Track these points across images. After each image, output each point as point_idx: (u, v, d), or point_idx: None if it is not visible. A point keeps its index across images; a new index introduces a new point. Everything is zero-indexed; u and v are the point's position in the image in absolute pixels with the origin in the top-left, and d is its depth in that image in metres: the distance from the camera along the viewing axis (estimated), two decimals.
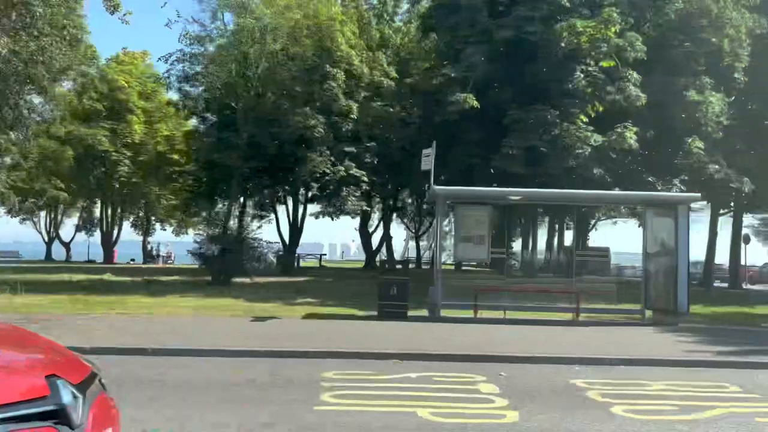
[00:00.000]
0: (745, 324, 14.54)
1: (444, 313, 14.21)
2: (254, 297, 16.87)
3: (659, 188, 21.59)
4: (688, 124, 21.14)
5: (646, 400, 6.95)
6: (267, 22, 22.05)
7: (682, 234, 13.61)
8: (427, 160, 13.88)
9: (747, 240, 37.49)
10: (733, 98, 24.50)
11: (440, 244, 14.61)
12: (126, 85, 39.20)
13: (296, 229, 33.21)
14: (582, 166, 19.52)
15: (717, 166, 23.07)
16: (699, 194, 14.18)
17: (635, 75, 19.59)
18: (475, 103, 18.76)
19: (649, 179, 21.82)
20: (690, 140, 21.62)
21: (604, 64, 19.43)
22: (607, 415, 6.23)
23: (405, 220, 42.27)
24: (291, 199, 32.07)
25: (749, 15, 24.01)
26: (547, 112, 19.52)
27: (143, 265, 40.02)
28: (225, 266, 21.12)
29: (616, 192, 15.38)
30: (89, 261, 43.89)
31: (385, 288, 13.48)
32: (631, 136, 19.27)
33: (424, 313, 14.18)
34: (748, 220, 42.92)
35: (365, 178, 28.62)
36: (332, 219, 33.25)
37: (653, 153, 22.29)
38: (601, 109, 19.36)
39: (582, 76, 19.56)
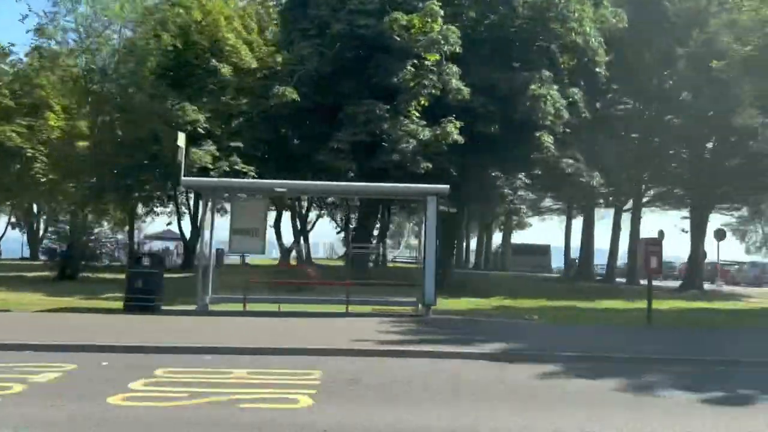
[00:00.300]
0: (503, 316, 14.57)
1: (216, 307, 14.30)
2: (69, 292, 17.03)
3: (498, 183, 21.61)
4: (532, 118, 21.06)
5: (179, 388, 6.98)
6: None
7: (430, 226, 13.62)
8: (180, 151, 13.88)
9: (722, 236, 37.15)
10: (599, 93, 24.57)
11: (208, 237, 14.58)
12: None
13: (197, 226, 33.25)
14: (410, 161, 19.47)
15: (571, 161, 23.14)
16: (447, 186, 14.08)
17: (455, 68, 19.54)
18: (295, 97, 18.73)
19: (494, 174, 21.79)
20: (539, 134, 21.63)
21: (429, 57, 19.38)
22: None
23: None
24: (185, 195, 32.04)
25: (606, 8, 24.07)
26: (376, 107, 19.49)
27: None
28: (68, 263, 21.19)
29: (373, 184, 15.31)
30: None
31: (131, 281, 13.48)
32: (453, 130, 19.22)
33: (192, 306, 14.26)
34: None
35: (253, 173, 28.54)
36: (221, 216, 33.12)
37: (502, 147, 22.22)
38: (426, 103, 19.31)
39: (413, 70, 19.50)
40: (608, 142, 24.76)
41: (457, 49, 19.41)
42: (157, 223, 42.66)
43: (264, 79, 21.40)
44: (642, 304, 15.89)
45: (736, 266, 46.46)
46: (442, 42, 18.92)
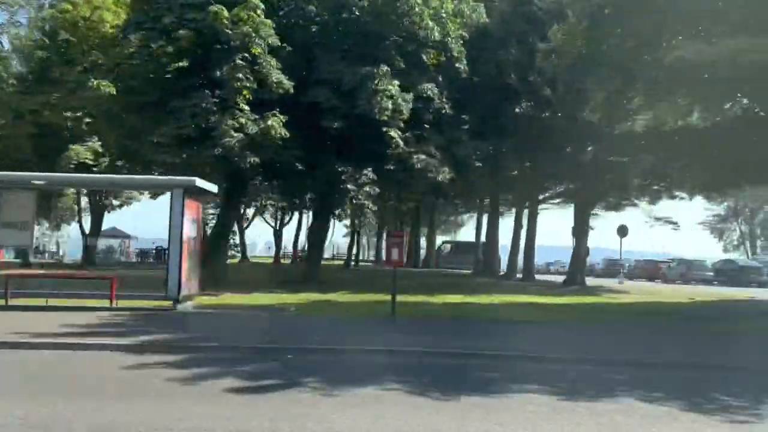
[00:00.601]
0: (260, 310, 14.48)
1: None
2: None
3: (343, 178, 21.49)
4: (372, 113, 20.90)
5: None
6: None
7: (176, 218, 13.52)
8: None
9: (624, 233, 36.95)
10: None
11: None
12: None
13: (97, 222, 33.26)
14: (238, 155, 19.35)
15: (423, 156, 22.99)
16: (195, 178, 13.95)
17: (273, 62, 19.42)
18: (111, 90, 18.62)
19: (340, 169, 21.67)
20: (386, 130, 21.51)
21: (254, 51, 19.25)
22: None
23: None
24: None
25: (467, 3, 23.96)
26: (204, 100, 19.37)
27: None
28: None
29: (123, 177, 15.27)
30: None
31: None
32: (277, 125, 19.10)
33: None
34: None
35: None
36: (109, 212, 33.24)
37: (351, 142, 22.11)
38: (249, 96, 19.20)
39: (232, 64, 19.37)
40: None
41: (270, 42, 19.28)
42: None
43: (85, 72, 21.30)
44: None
45: (670, 264, 46.52)
46: (254, 35, 18.76)
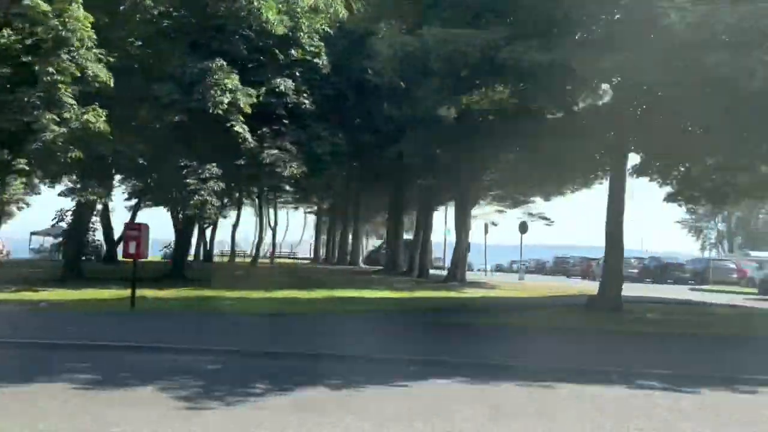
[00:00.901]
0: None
1: None
2: None
3: (185, 173, 21.38)
4: (208, 106, 20.75)
5: None
6: None
7: None
8: None
9: (524, 229, 36.93)
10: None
11: None
12: None
13: None
14: (60, 149, 19.21)
15: (275, 151, 22.87)
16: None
17: (90, 55, 19.27)
18: None
19: (182, 163, 21.58)
20: (230, 124, 21.40)
21: (76, 45, 19.12)
22: None
23: None
24: None
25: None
26: (26, 94, 19.26)
27: None
28: None
29: None
30: None
31: None
32: (96, 119, 18.95)
33: None
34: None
35: None
36: None
37: (195, 137, 22.00)
38: (67, 90, 19.07)
39: (60, 59, 19.23)
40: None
41: (86, 36, 19.14)
42: None
43: None
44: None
45: (598, 262, 46.46)
46: (60, 28, 18.62)
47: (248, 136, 21.93)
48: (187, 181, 21.40)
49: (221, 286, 21.18)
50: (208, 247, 43.49)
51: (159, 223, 27.83)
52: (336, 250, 49.68)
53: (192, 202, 21.38)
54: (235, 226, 41.10)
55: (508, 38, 12.24)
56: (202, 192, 21.64)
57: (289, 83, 23.10)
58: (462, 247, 28.07)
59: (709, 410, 7.02)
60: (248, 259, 44.61)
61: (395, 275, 31.97)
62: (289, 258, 56.34)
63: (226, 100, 20.71)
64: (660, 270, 41.60)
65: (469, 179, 26.50)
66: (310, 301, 17.32)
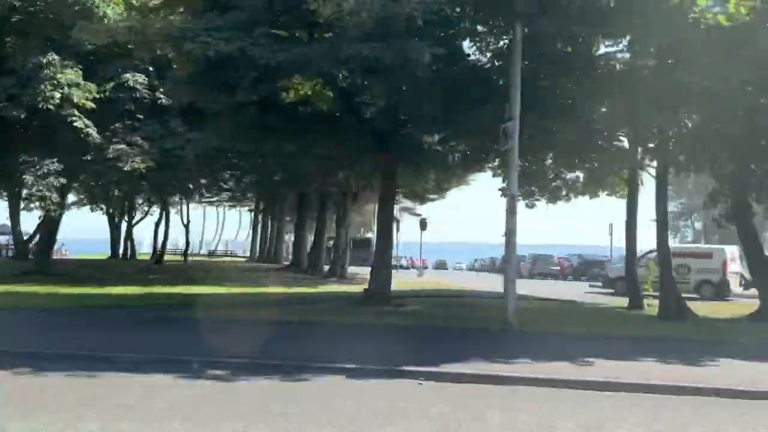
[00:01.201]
0: None
1: None
2: None
3: (22, 168, 21.38)
4: (38, 101, 20.65)
5: None
6: None
7: None
8: None
9: (424, 226, 37.18)
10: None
11: None
12: None
13: None
14: None
15: (121, 146, 22.80)
16: None
17: None
18: None
19: (21, 159, 21.61)
20: (71, 120, 21.37)
21: None
22: None
23: None
24: None
25: None
26: None
27: None
28: None
29: None
30: None
31: None
32: None
33: None
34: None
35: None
36: None
37: (31, 133, 21.99)
38: None
39: None
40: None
41: None
42: None
43: None
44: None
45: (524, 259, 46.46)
46: None
47: (92, 131, 21.88)
48: (24, 177, 21.41)
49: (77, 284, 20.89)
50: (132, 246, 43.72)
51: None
52: (272, 249, 49.65)
53: (32, 197, 21.40)
54: (157, 224, 41.04)
55: None
56: (41, 188, 21.63)
57: (140, 78, 23.00)
58: (340, 244, 27.98)
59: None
60: (179, 257, 44.65)
61: (297, 272, 32.17)
62: (227, 256, 56.28)
63: (57, 95, 20.64)
64: (584, 267, 41.74)
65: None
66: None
